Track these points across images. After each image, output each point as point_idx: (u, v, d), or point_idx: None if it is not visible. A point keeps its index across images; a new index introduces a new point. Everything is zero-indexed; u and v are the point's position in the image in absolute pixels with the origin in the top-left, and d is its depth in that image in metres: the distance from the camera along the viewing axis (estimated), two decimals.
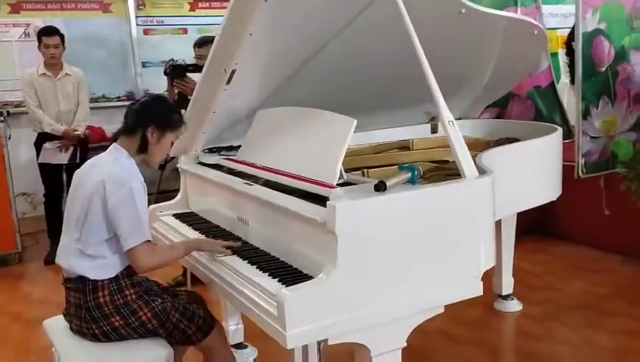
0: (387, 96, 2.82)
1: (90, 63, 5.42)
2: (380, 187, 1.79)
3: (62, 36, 4.77)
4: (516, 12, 4.18)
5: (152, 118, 2.17)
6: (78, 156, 4.85)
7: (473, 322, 3.35)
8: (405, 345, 1.86)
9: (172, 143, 2.26)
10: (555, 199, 3.00)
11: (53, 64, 4.77)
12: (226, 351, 2.29)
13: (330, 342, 1.74)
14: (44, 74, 4.77)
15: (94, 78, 5.13)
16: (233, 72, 2.30)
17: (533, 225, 4.34)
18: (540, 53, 3.40)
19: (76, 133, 4.79)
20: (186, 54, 4.79)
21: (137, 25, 6.48)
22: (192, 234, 2.46)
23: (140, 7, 6.48)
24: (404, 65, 2.43)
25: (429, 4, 2.29)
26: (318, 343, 2.38)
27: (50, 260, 4.75)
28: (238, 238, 2.29)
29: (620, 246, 4.21)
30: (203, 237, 2.38)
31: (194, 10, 6.74)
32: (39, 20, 5.92)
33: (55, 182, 4.90)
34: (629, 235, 4.13)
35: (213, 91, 2.42)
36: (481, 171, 2.01)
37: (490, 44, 2.94)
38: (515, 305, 3.50)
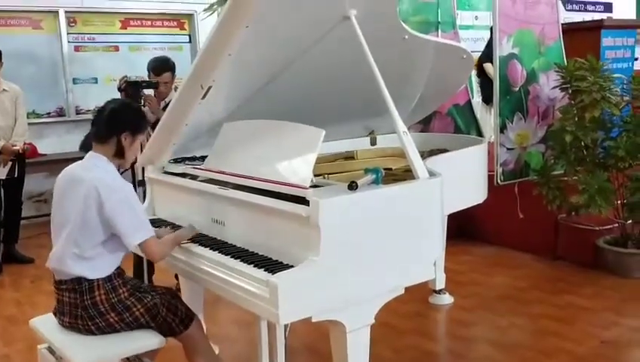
0: (334, 112, 3.04)
1: (21, 79, 5.30)
2: (353, 186, 2.09)
3: None
4: (437, 36, 4.62)
5: (124, 125, 2.34)
6: (16, 171, 4.88)
7: (412, 315, 3.69)
8: (374, 321, 2.16)
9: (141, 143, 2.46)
10: (482, 201, 3.41)
11: None
12: (204, 341, 2.48)
13: (313, 319, 2.00)
14: None
15: (24, 93, 5.12)
16: (209, 88, 2.53)
17: (458, 231, 4.75)
18: (466, 75, 3.76)
19: (15, 148, 4.81)
20: (117, 71, 4.87)
21: (69, 42, 6.51)
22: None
23: (72, 24, 6.50)
24: (353, 85, 2.76)
25: (380, 30, 2.60)
26: (285, 338, 2.65)
27: None
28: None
29: (532, 246, 4.70)
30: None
31: (125, 28, 6.83)
32: None
33: None
34: (540, 236, 4.64)
35: (188, 105, 2.61)
36: (431, 174, 2.35)
37: (423, 67, 3.26)
38: (447, 299, 3.88)
